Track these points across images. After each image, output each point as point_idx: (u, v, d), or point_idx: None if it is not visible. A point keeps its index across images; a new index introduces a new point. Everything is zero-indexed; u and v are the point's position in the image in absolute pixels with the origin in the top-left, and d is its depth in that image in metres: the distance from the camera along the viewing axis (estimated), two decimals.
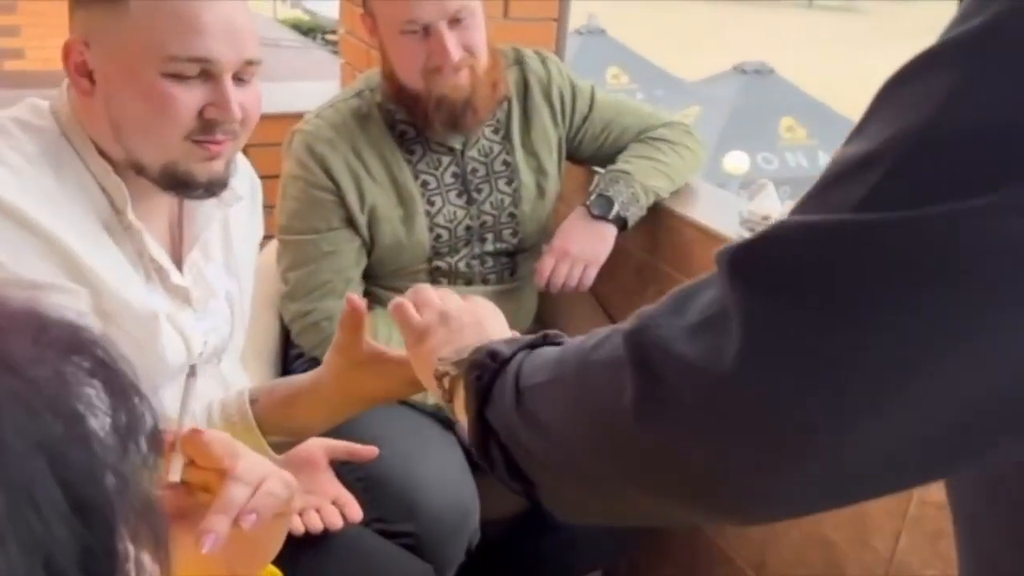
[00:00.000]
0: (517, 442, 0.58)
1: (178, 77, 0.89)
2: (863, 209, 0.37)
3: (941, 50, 0.38)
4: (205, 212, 1.03)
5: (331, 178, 1.38)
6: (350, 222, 1.41)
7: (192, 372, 0.74)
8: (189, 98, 0.90)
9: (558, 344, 0.64)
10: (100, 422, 0.31)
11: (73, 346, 0.32)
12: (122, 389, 0.32)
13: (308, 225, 1.41)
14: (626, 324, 0.49)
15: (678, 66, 12.69)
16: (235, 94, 0.91)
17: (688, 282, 0.47)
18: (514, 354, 0.63)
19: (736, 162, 8.61)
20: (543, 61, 1.54)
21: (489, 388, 0.62)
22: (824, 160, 9.83)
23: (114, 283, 0.91)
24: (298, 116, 1.47)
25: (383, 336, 1.41)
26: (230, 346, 1.13)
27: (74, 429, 0.30)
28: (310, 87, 2.39)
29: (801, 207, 0.41)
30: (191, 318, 1.03)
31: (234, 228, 1.12)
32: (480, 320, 0.76)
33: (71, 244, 0.88)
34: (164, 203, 1.01)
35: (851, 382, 0.38)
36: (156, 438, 0.34)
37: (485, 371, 0.63)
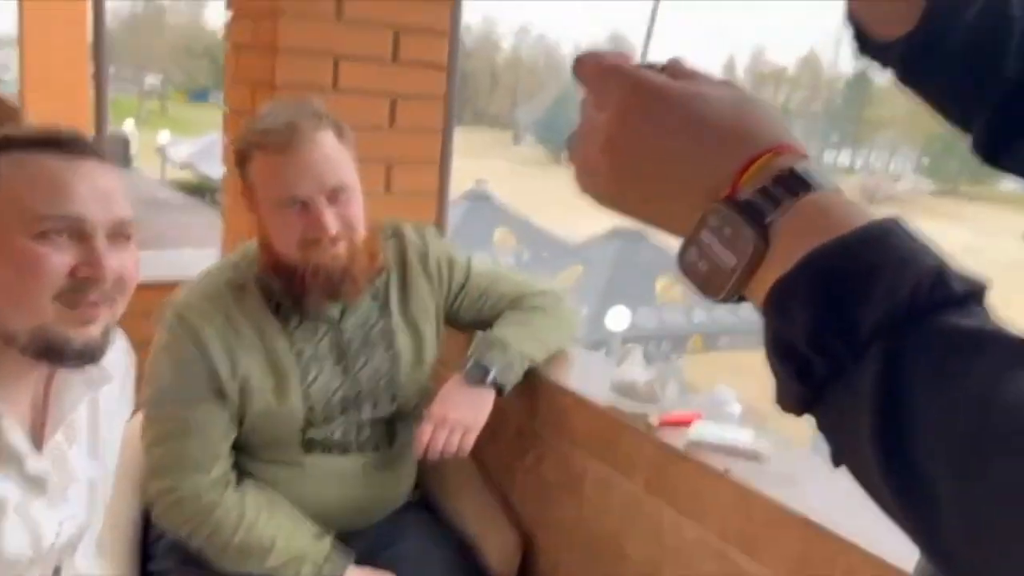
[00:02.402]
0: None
1: (48, 238, 0.88)
2: None
3: None
4: (73, 393, 0.99)
5: (202, 350, 1.36)
6: (220, 394, 1.38)
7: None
8: (59, 257, 0.88)
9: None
10: None
11: None
12: None
13: (176, 398, 1.37)
14: None
15: (561, 228, 13.33)
16: (109, 254, 0.90)
17: None
18: (967, 297, 0.38)
19: (618, 318, 8.97)
20: (421, 234, 1.60)
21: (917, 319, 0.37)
22: (699, 316, 10.34)
23: None
24: (177, 284, 1.46)
25: (250, 516, 1.35)
26: (87, 533, 1.06)
27: None
28: (190, 254, 2.38)
29: None
30: (44, 507, 0.97)
31: (103, 409, 1.07)
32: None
33: None
34: (31, 380, 0.97)
35: None
36: None
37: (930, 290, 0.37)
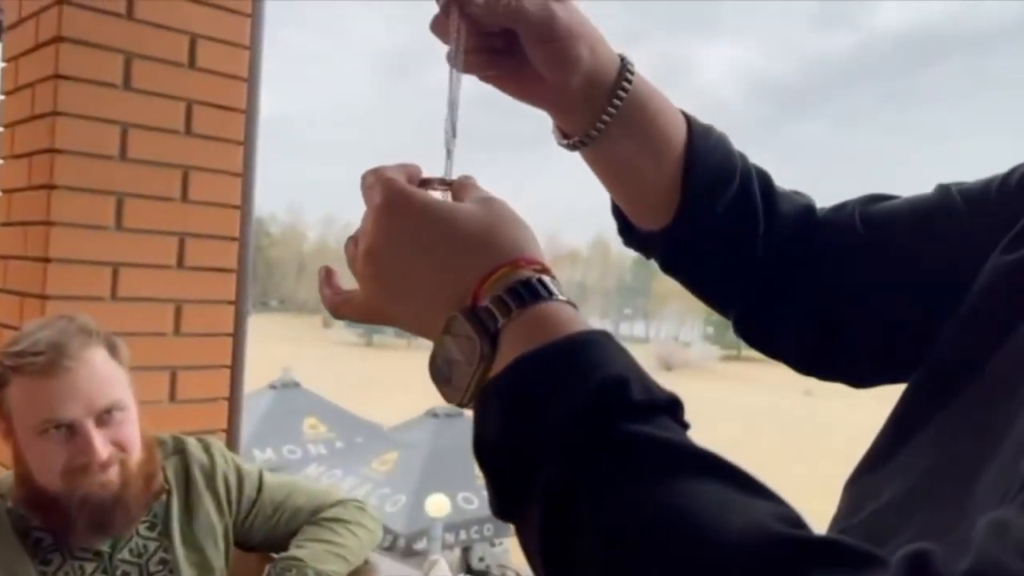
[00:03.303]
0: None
1: None
2: None
3: None
4: None
5: None
6: None
7: None
8: None
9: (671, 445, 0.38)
10: None
11: None
12: None
13: None
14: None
15: (375, 412, 13.05)
16: None
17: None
18: (652, 407, 0.39)
19: (438, 504, 8.72)
20: (206, 448, 1.50)
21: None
22: None
23: None
24: None
25: None
26: None
27: None
28: None
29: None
30: None
31: None
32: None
33: None
34: None
35: None
36: None
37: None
